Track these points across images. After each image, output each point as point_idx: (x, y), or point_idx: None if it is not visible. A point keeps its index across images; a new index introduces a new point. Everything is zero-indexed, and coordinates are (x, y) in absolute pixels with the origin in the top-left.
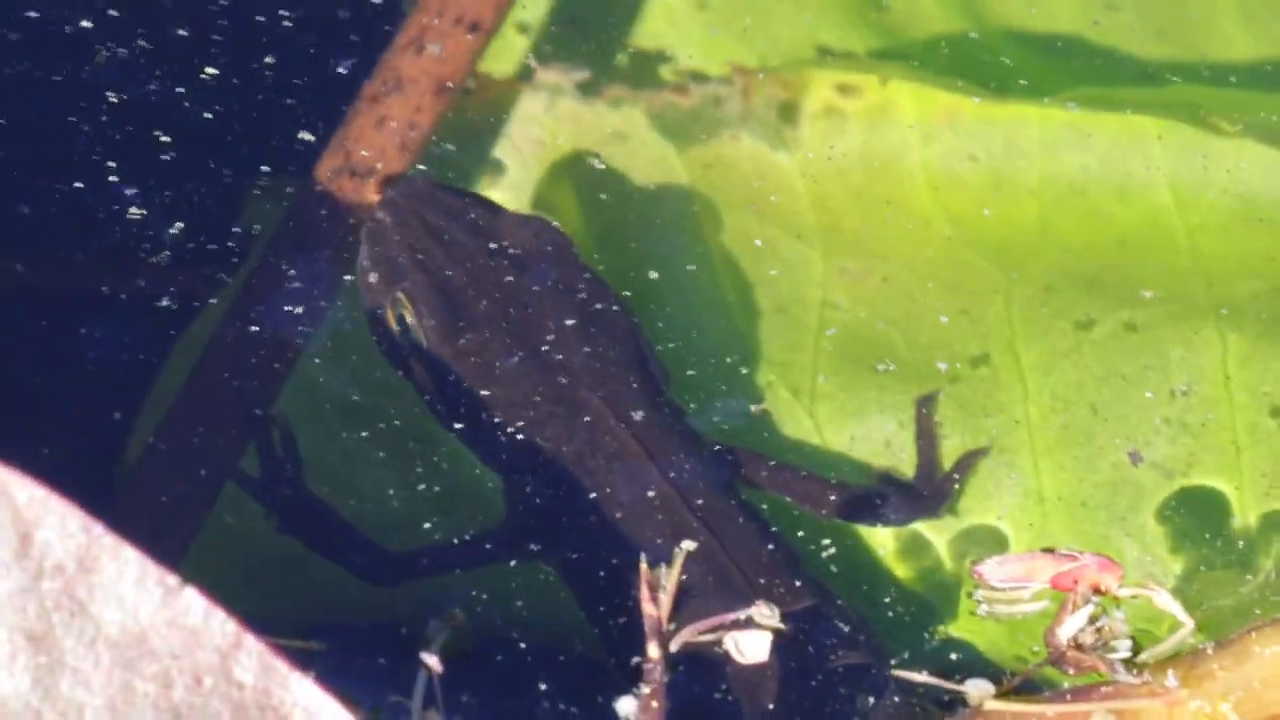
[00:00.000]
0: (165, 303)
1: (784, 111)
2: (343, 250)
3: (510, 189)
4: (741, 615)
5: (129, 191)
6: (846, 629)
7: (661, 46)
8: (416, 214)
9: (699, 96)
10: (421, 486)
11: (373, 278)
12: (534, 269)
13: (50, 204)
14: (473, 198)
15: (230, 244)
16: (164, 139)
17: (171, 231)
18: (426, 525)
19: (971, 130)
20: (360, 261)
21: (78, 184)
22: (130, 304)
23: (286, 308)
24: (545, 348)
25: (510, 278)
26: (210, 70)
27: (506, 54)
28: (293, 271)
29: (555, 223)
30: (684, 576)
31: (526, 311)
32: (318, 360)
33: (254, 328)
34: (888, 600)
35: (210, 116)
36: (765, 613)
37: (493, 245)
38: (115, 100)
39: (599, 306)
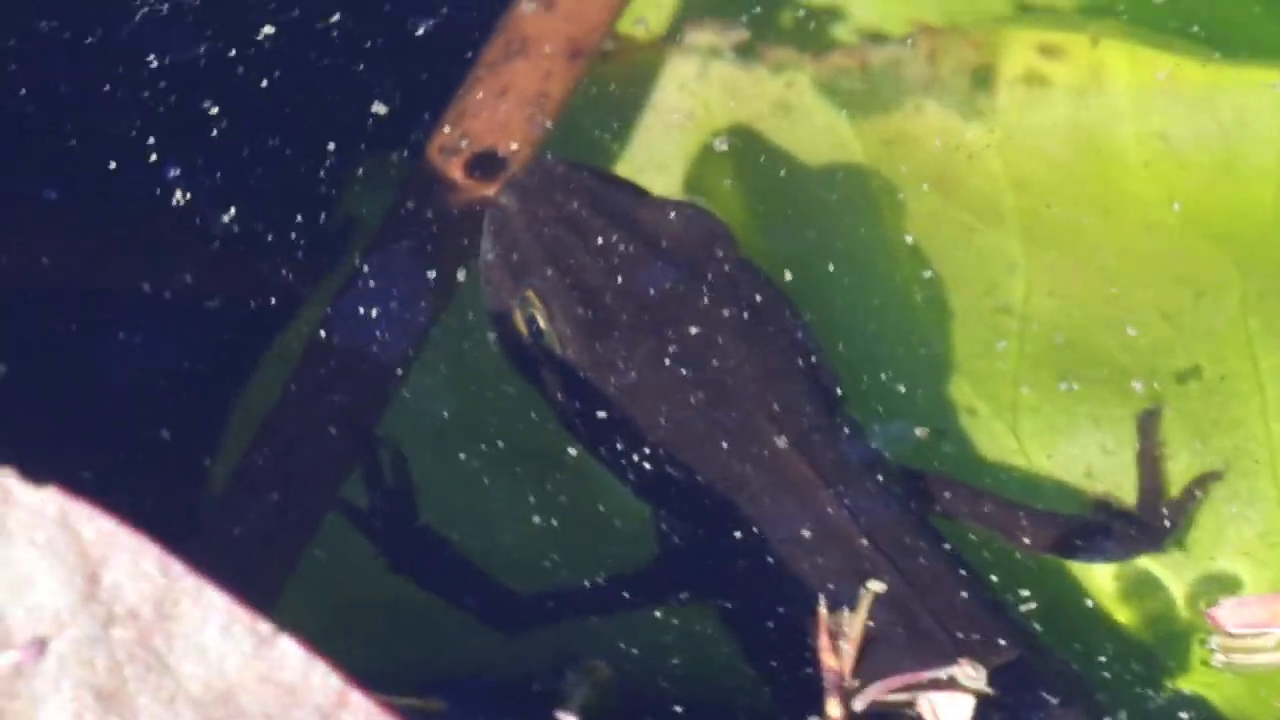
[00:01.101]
0: (253, 305)
1: (977, 78)
2: (461, 243)
3: (657, 169)
4: (941, 674)
5: (199, 180)
6: (1059, 687)
7: (833, 3)
8: (548, 200)
9: (877, 60)
10: (555, 519)
11: (497, 274)
12: (686, 262)
13: (96, 189)
14: (613, 180)
15: (327, 238)
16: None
17: (256, 225)
18: (549, 564)
19: (1197, 99)
20: (483, 256)
21: (118, 164)
22: (210, 306)
23: (394, 311)
24: (700, 354)
25: (658, 273)
26: (268, 30)
27: (652, 11)
28: (402, 269)
29: (710, 208)
30: (870, 623)
31: (678, 312)
32: (434, 372)
33: (357, 334)
34: (1105, 651)
35: (298, 88)
36: (970, 673)
37: (637, 235)
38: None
39: (762, 305)
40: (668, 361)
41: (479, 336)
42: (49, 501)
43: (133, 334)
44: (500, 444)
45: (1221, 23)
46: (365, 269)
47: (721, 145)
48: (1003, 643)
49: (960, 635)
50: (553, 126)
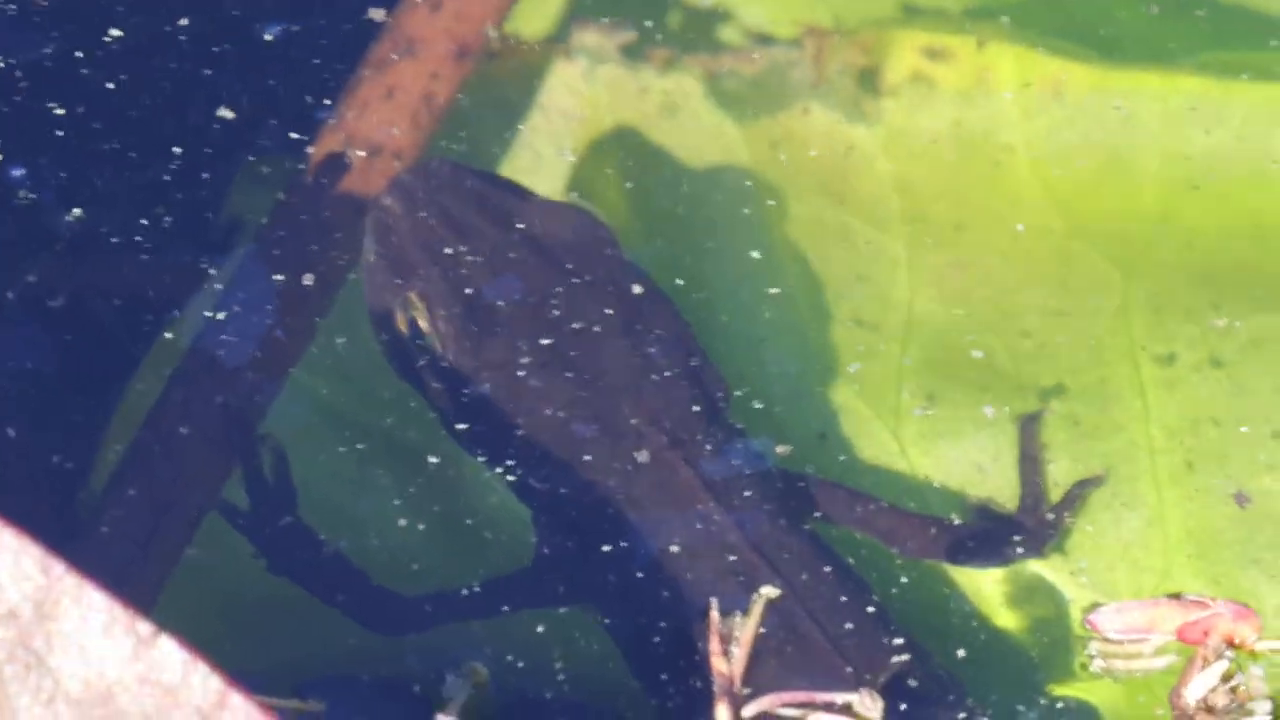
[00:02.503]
0: (132, 305)
1: (863, 80)
2: (344, 244)
3: (542, 171)
4: (838, 699)
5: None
6: (943, 694)
7: (721, 3)
8: (431, 200)
9: (763, 62)
10: (434, 520)
11: (380, 276)
12: (569, 264)
13: None
14: (497, 181)
15: (210, 239)
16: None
17: (141, 220)
18: (437, 564)
19: (1082, 102)
20: (365, 257)
21: None
22: (94, 304)
23: (278, 310)
24: (582, 356)
25: (541, 275)
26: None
27: (538, 10)
28: (286, 269)
29: (595, 210)
30: (763, 629)
31: (561, 315)
32: (312, 371)
33: (239, 333)
34: (986, 656)
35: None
36: (868, 703)
37: (521, 237)
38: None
39: (644, 307)
40: (548, 364)
41: (361, 335)
42: None
43: (12, 334)
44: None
45: (1109, 24)
46: (248, 270)
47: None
48: (889, 653)
49: (847, 641)
50: (438, 127)
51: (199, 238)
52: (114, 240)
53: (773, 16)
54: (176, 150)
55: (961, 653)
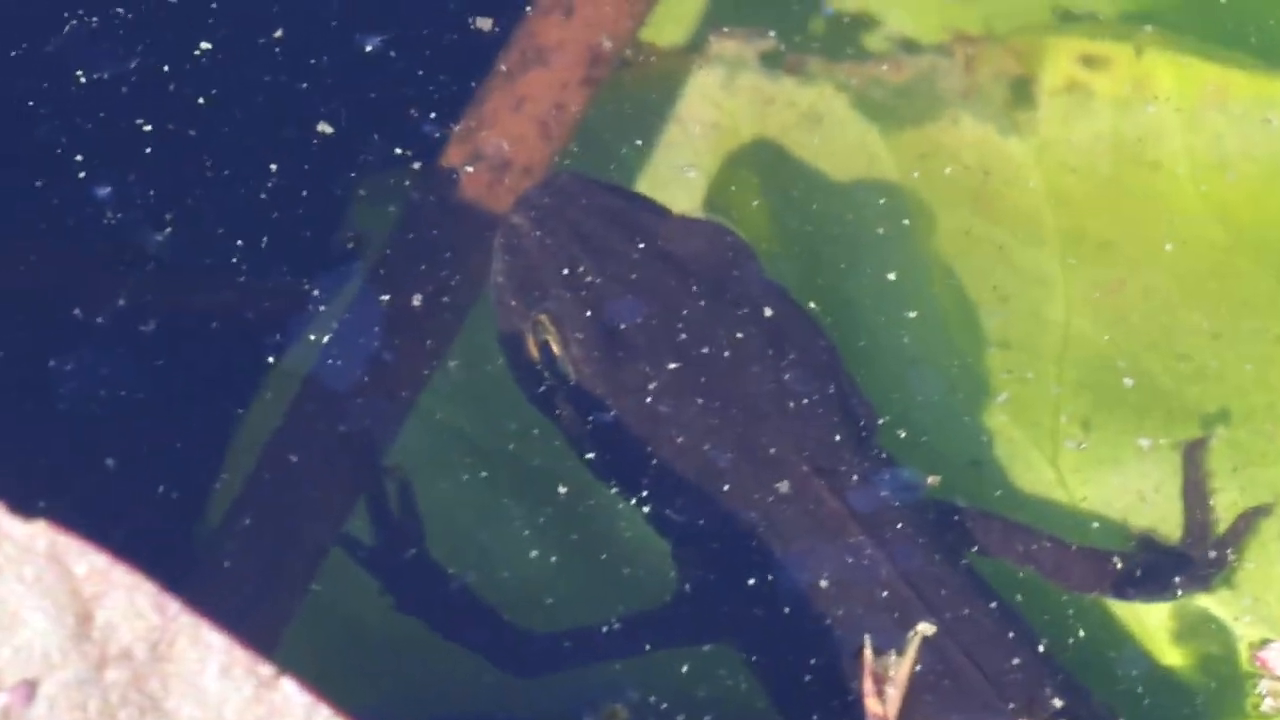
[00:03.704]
0: (251, 328)
1: (1016, 89)
2: (471, 264)
3: (679, 185)
4: None
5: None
6: None
7: (866, 9)
8: (562, 217)
9: (911, 70)
10: (568, 552)
11: (509, 297)
12: (707, 284)
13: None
14: (632, 197)
15: (331, 258)
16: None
17: (237, 244)
18: (572, 600)
19: (1244, 111)
20: (494, 277)
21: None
22: (210, 327)
23: (404, 334)
24: (722, 382)
25: (678, 295)
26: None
27: (674, 17)
28: (410, 290)
29: (733, 227)
30: (920, 666)
31: (698, 338)
32: (437, 397)
33: (355, 359)
34: (1149, 694)
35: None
36: None
37: (656, 255)
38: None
39: (788, 329)
40: (684, 388)
41: (488, 359)
42: (38, 535)
43: (129, 359)
44: (506, 472)
45: (1261, 32)
46: (371, 292)
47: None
48: (1048, 692)
49: (1006, 681)
50: (569, 140)
51: (305, 259)
52: (208, 262)
53: (920, 22)
54: (273, 167)
55: (1125, 690)
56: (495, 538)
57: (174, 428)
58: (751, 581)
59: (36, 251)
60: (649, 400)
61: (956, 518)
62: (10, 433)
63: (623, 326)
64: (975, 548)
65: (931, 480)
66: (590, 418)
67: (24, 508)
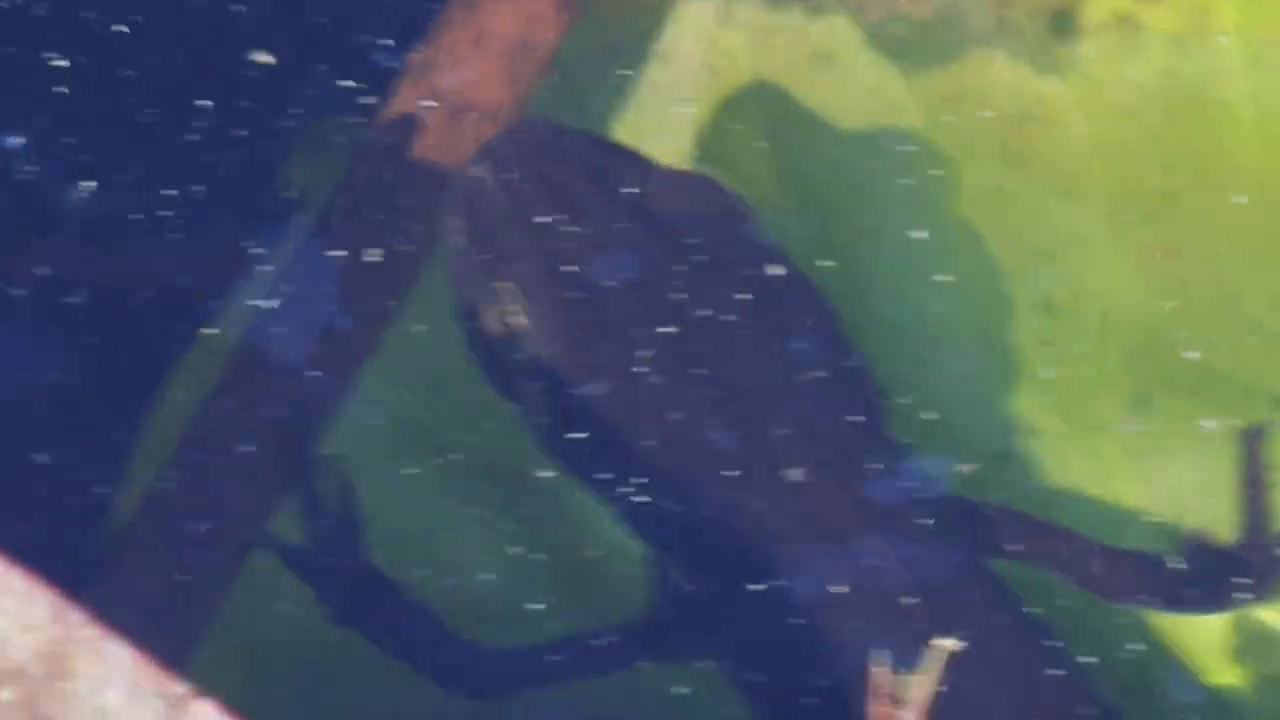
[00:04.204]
0: (170, 295)
1: (1055, 23)
2: (426, 221)
3: (666, 134)
4: None
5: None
6: None
7: None
8: (530, 168)
9: (936, 2)
10: (532, 558)
11: (467, 260)
12: (699, 246)
13: None
14: (609, 146)
15: (263, 217)
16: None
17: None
18: (536, 612)
19: None
20: (450, 237)
21: None
22: (121, 298)
23: (343, 304)
24: (714, 360)
25: (662, 257)
26: None
27: None
28: (354, 253)
29: (726, 181)
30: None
31: (686, 305)
32: (383, 376)
33: (293, 328)
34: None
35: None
36: None
37: (637, 212)
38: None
39: (789, 299)
40: (673, 368)
41: (443, 332)
42: None
43: (22, 338)
44: (463, 465)
45: None
46: (307, 255)
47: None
48: (1081, 707)
49: (1034, 706)
50: (538, 80)
51: (238, 213)
52: (135, 218)
53: None
54: (205, 104)
55: (1174, 717)
56: (449, 541)
57: (76, 412)
58: (745, 589)
59: None
60: (627, 376)
61: (983, 516)
62: None
63: (599, 295)
64: (1004, 551)
65: (965, 469)
66: (560, 398)
67: None
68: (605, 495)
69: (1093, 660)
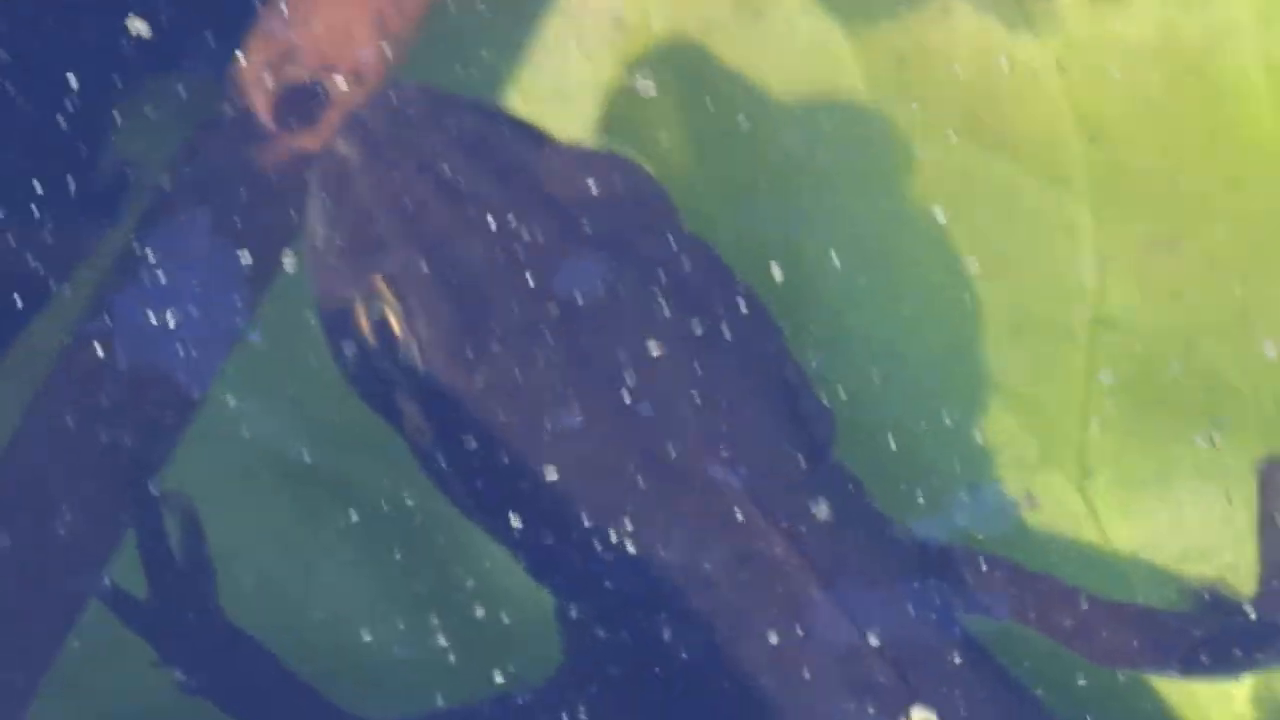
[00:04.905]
0: None
1: None
2: (280, 207)
3: (567, 103)
4: None
5: None
6: None
7: None
8: (405, 145)
9: None
10: (418, 606)
11: (332, 256)
12: (606, 238)
13: None
14: (499, 118)
15: (88, 201)
16: None
17: None
18: (424, 674)
19: None
20: (311, 226)
21: None
22: None
23: (184, 305)
24: (628, 375)
25: (564, 253)
26: None
27: None
28: (195, 245)
29: (640, 160)
30: None
31: (594, 313)
32: (236, 391)
33: (133, 332)
34: None
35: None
36: None
37: (534, 198)
38: None
39: (719, 305)
40: (578, 382)
41: (306, 338)
42: None
43: None
44: (335, 497)
45: None
46: (139, 248)
47: (647, 86)
48: None
49: None
50: (413, 37)
51: (67, 192)
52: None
53: None
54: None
55: None
56: (317, 588)
57: None
58: (665, 646)
59: None
60: (525, 398)
61: (951, 565)
62: None
63: (488, 294)
64: (976, 606)
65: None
66: (445, 420)
67: None
68: (502, 533)
69: None
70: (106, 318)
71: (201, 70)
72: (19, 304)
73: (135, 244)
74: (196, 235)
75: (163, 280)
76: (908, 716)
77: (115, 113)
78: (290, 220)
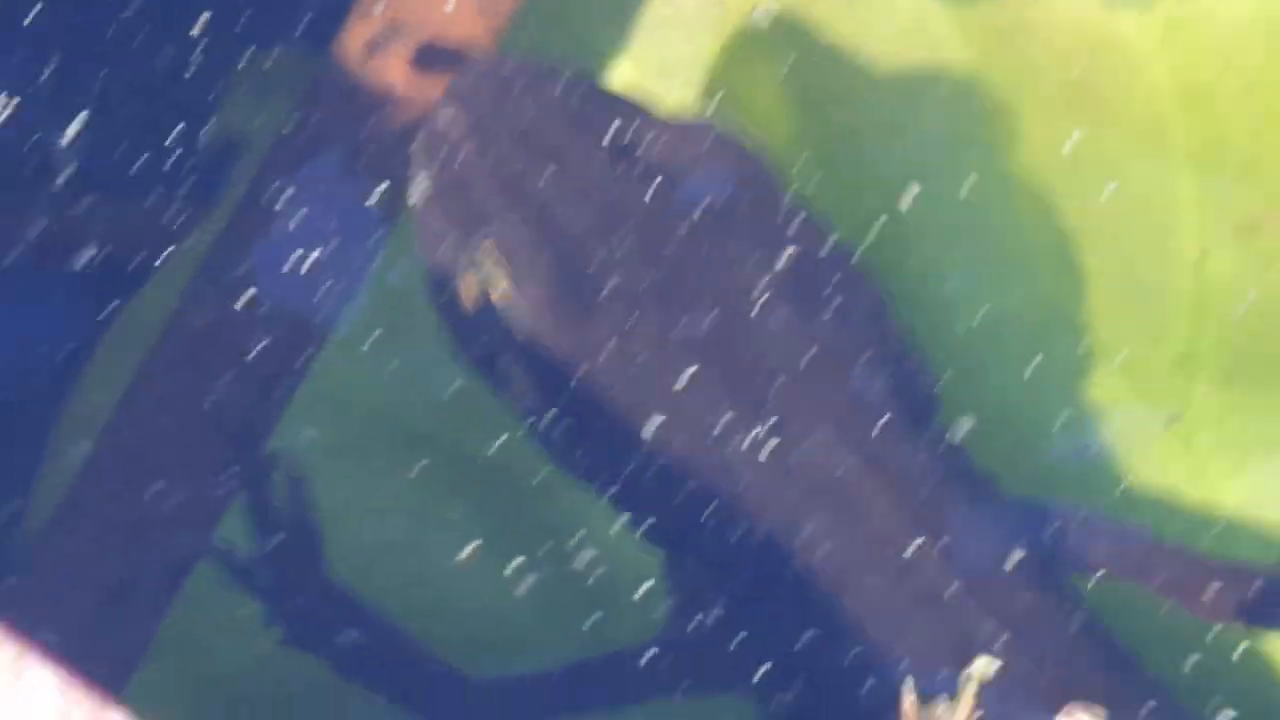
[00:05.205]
0: (88, 265)
1: None
2: (386, 175)
3: (668, 75)
4: None
5: None
6: None
7: None
8: (507, 115)
9: None
10: (521, 568)
11: (436, 221)
12: (708, 206)
13: None
14: (601, 91)
15: (197, 167)
16: None
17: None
18: (528, 633)
19: None
20: (416, 194)
21: None
22: (31, 267)
23: (294, 271)
24: (732, 337)
25: (667, 220)
26: None
27: None
28: (304, 211)
29: (742, 131)
30: (980, 713)
31: (697, 276)
32: (343, 358)
33: (240, 303)
34: None
35: None
36: None
37: (637, 168)
38: None
39: (819, 268)
40: (684, 346)
41: (412, 304)
42: None
43: None
44: (441, 462)
45: None
46: (249, 214)
47: (761, 19)
48: None
49: None
50: (515, 10)
51: (175, 161)
52: (73, 172)
53: None
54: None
55: None
56: (423, 550)
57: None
58: (772, 606)
59: None
60: (632, 360)
61: (1052, 519)
62: None
63: (591, 258)
64: (1077, 560)
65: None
66: (551, 385)
67: None
68: (610, 496)
69: (1179, 685)
70: (209, 286)
71: (302, 48)
72: (124, 276)
73: (243, 208)
74: (301, 201)
75: (266, 242)
76: (971, 670)
77: (218, 85)
78: (398, 189)
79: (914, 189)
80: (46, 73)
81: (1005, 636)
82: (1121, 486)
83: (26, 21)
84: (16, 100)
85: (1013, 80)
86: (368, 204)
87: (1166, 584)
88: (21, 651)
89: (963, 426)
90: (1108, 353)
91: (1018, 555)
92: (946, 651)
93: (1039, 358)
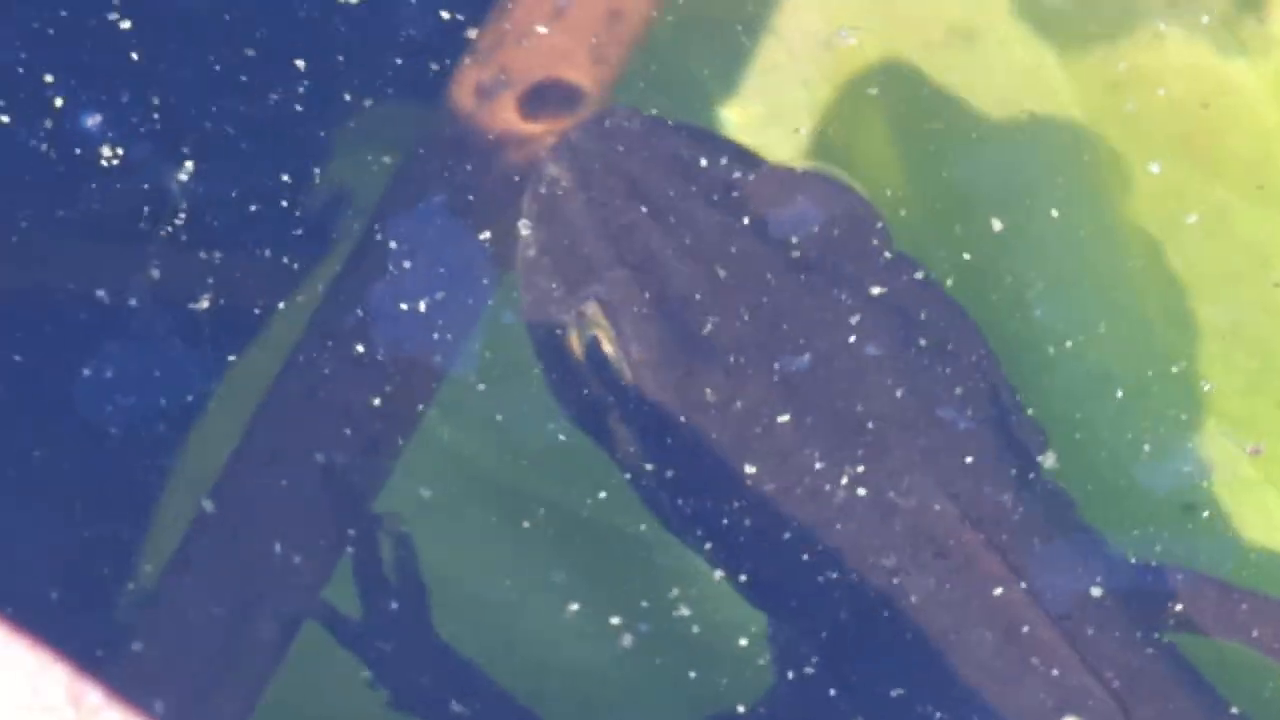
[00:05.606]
0: (203, 313)
1: None
2: (493, 231)
3: (778, 125)
4: None
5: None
6: None
7: None
8: (617, 169)
9: None
10: (631, 631)
11: (544, 277)
12: (819, 261)
13: None
14: (713, 141)
15: (304, 219)
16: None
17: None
18: (636, 696)
19: None
20: (522, 250)
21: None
22: (134, 316)
23: (405, 321)
24: (841, 397)
25: (777, 274)
26: None
27: None
28: (414, 260)
29: (852, 182)
30: None
31: (807, 333)
32: (447, 416)
33: (343, 356)
34: None
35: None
36: None
37: (746, 220)
38: None
39: (931, 325)
40: (788, 404)
41: (518, 361)
42: None
43: (28, 367)
44: (553, 524)
45: None
46: (357, 266)
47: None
48: None
49: None
50: (626, 61)
51: (279, 213)
52: (185, 217)
53: None
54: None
55: None
56: (526, 611)
57: (93, 450)
58: (876, 663)
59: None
60: (736, 418)
61: (1158, 580)
62: None
63: (703, 317)
64: (1182, 621)
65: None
66: (655, 443)
67: None
68: (717, 558)
69: None
70: (315, 342)
71: (412, 94)
72: (231, 330)
73: (350, 268)
74: (407, 257)
75: (373, 300)
76: None
77: (328, 132)
78: (503, 243)
79: (1024, 241)
80: (156, 116)
81: (1107, 696)
82: (1228, 547)
83: (134, 61)
84: (127, 143)
85: (1125, 130)
86: (477, 253)
87: (1276, 644)
88: (125, 714)
89: (1070, 486)
90: (1216, 411)
91: (1124, 614)
92: (1049, 710)
93: (1146, 416)
